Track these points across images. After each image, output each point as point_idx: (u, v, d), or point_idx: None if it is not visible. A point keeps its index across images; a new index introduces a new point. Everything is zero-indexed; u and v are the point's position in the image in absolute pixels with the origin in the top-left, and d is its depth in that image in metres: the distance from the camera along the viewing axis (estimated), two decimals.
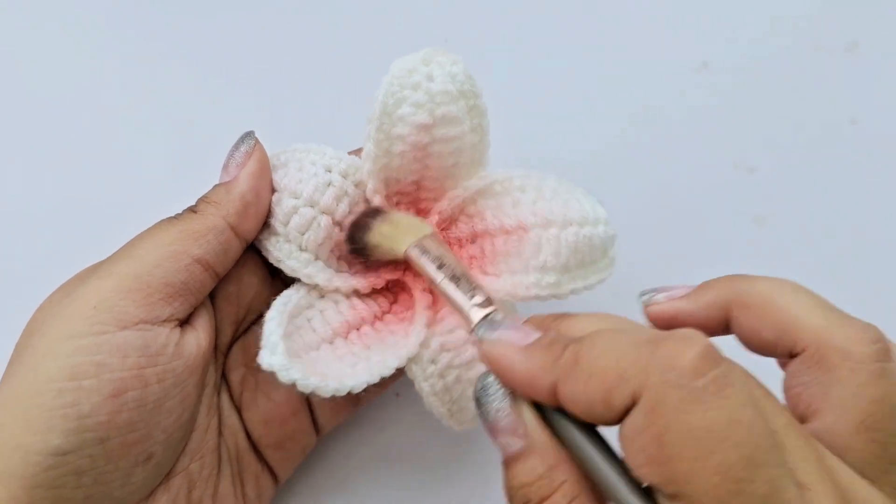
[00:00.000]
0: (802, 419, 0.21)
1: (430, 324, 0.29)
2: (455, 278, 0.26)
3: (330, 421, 0.31)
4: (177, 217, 0.28)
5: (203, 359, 0.27)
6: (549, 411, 0.21)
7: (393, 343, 0.29)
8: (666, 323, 0.25)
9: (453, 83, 0.27)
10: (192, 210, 0.28)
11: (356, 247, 0.29)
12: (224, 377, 0.30)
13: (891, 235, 0.38)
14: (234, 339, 0.30)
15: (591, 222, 0.28)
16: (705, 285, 0.25)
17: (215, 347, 0.29)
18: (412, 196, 0.30)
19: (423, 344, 0.28)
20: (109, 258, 0.27)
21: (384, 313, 0.30)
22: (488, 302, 0.25)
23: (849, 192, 0.38)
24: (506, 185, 0.29)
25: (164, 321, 0.26)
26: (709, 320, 0.24)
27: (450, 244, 0.30)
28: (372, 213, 0.29)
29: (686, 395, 0.18)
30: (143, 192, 0.37)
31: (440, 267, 0.26)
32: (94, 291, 0.25)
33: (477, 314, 0.24)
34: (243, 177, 0.28)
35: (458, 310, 0.25)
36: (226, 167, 0.28)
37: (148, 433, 0.25)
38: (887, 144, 0.39)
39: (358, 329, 0.29)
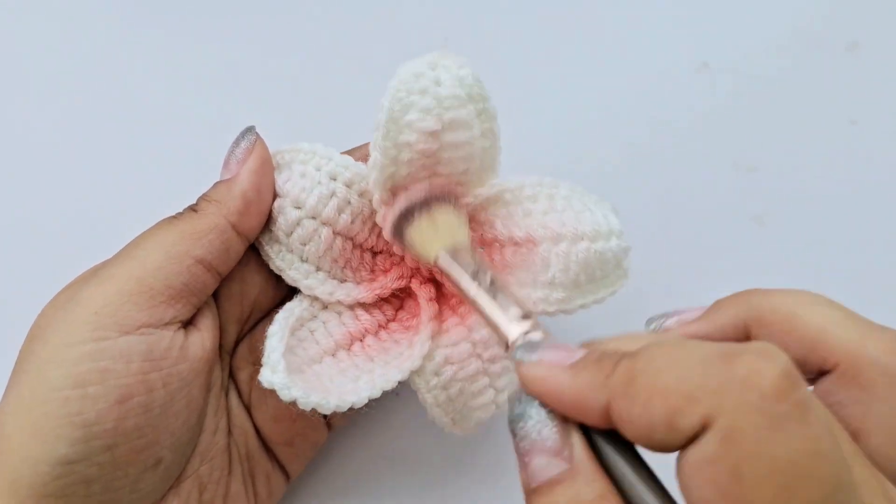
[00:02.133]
0: None
1: (435, 335, 0.29)
2: (491, 289, 0.23)
3: (342, 417, 0.31)
4: (177, 217, 0.27)
5: (208, 360, 0.27)
6: (594, 434, 0.19)
7: (397, 354, 0.29)
8: None
9: (461, 87, 0.26)
10: (192, 209, 0.27)
11: (397, 238, 0.27)
12: (231, 377, 0.30)
13: (891, 235, 0.38)
14: (240, 338, 0.30)
15: (604, 236, 0.27)
16: (719, 304, 0.22)
17: (220, 347, 0.29)
18: None
19: (427, 356, 0.28)
20: (110, 260, 0.27)
21: (389, 321, 0.30)
22: (526, 316, 0.22)
23: (849, 192, 0.38)
24: (516, 194, 0.28)
25: (167, 324, 0.26)
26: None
27: None
28: (422, 203, 0.27)
29: (768, 421, 0.16)
30: (142, 190, 0.37)
31: (474, 277, 0.24)
32: (95, 296, 0.25)
33: (514, 330, 0.22)
34: (244, 174, 0.27)
35: (491, 326, 0.23)
36: (226, 164, 0.28)
37: (155, 438, 0.25)
38: (887, 144, 0.39)
39: (361, 340, 0.29)
